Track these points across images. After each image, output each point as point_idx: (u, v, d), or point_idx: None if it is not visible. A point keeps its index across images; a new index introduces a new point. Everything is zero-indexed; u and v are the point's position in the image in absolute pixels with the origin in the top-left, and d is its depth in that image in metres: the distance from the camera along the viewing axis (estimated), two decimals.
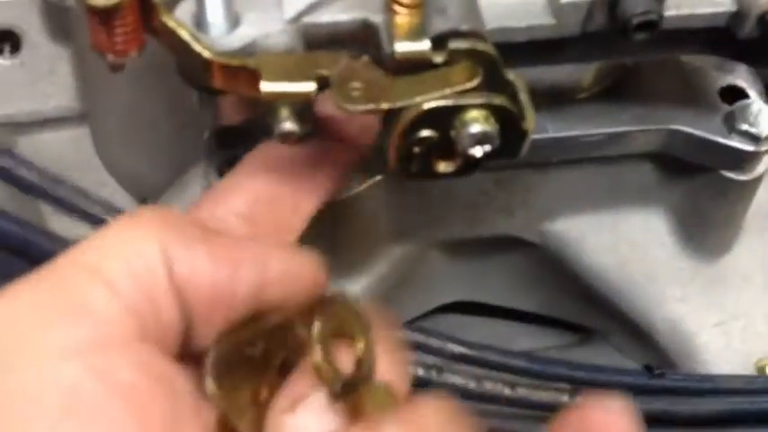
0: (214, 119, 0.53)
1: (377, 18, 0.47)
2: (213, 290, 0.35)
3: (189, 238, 0.35)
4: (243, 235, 0.41)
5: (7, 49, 0.94)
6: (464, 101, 0.42)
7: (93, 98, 0.93)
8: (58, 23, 0.93)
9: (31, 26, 0.94)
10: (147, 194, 0.99)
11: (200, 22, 0.45)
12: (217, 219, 0.42)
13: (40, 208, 0.97)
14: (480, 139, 0.43)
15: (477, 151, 0.43)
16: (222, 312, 0.35)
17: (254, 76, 0.43)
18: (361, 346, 0.37)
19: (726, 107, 0.62)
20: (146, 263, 0.34)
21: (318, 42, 0.48)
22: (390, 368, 0.37)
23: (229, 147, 0.58)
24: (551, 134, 0.60)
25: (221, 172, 0.57)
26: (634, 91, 0.63)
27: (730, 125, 0.61)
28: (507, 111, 0.43)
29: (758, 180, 0.63)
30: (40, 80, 0.96)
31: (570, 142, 0.61)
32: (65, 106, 0.97)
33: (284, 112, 0.43)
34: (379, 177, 0.60)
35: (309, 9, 0.47)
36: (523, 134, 0.44)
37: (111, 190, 1.02)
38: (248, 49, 0.46)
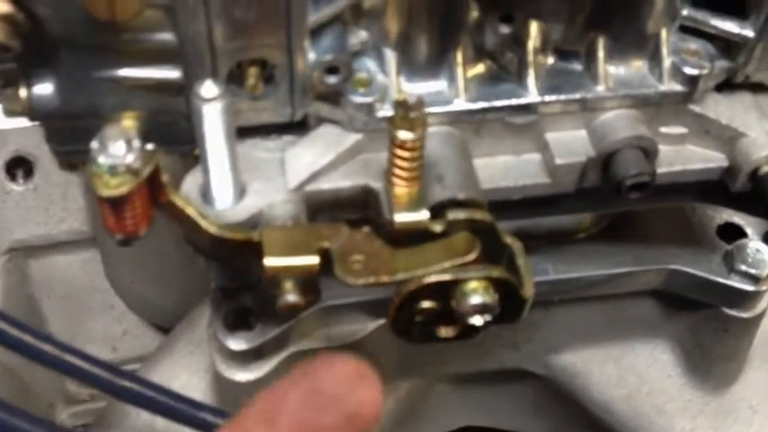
0: (219, 280, 0.54)
1: (377, 184, 0.49)
2: None
3: None
4: None
5: (20, 174, 0.97)
6: (463, 274, 0.43)
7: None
8: None
9: (44, 153, 0.97)
10: (155, 319, 1.00)
11: (206, 194, 0.47)
12: None
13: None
14: (480, 309, 0.44)
15: (478, 320, 0.44)
16: None
17: (259, 249, 0.45)
18: None
19: (724, 245, 0.63)
20: None
21: (321, 208, 0.50)
22: None
23: (235, 297, 0.59)
24: (552, 276, 0.61)
25: (227, 323, 0.58)
26: (633, 231, 0.64)
27: (729, 265, 0.61)
28: (506, 281, 0.44)
29: (760, 317, 0.64)
30: (53, 205, 0.98)
31: (571, 283, 0.62)
32: (76, 230, 0.99)
33: (288, 284, 0.44)
34: (384, 320, 0.61)
35: (312, 177, 0.49)
36: (523, 302, 0.45)
37: (118, 312, 1.03)
38: (254, 219, 0.47)
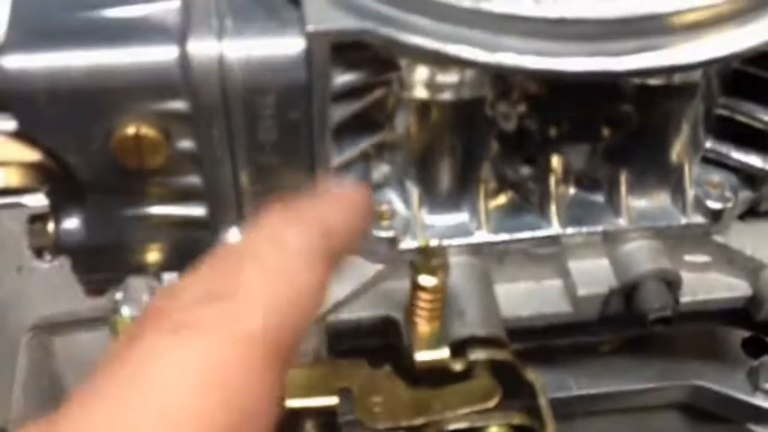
0: None
1: (398, 315, 0.49)
2: None
3: None
4: None
5: (46, 252, 0.99)
6: (483, 421, 0.43)
7: None
8: None
9: None
10: None
11: None
12: None
13: None
14: None
15: None
16: None
17: None
18: None
19: (750, 361, 0.62)
20: None
21: (341, 336, 0.50)
22: None
23: None
24: (575, 392, 0.61)
25: None
26: (657, 344, 0.63)
27: (754, 383, 0.60)
28: (528, 428, 0.44)
29: None
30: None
31: (595, 399, 0.61)
32: (101, 306, 0.99)
33: (308, 423, 0.44)
34: None
35: (333, 308, 0.49)
36: None
37: None
38: None
